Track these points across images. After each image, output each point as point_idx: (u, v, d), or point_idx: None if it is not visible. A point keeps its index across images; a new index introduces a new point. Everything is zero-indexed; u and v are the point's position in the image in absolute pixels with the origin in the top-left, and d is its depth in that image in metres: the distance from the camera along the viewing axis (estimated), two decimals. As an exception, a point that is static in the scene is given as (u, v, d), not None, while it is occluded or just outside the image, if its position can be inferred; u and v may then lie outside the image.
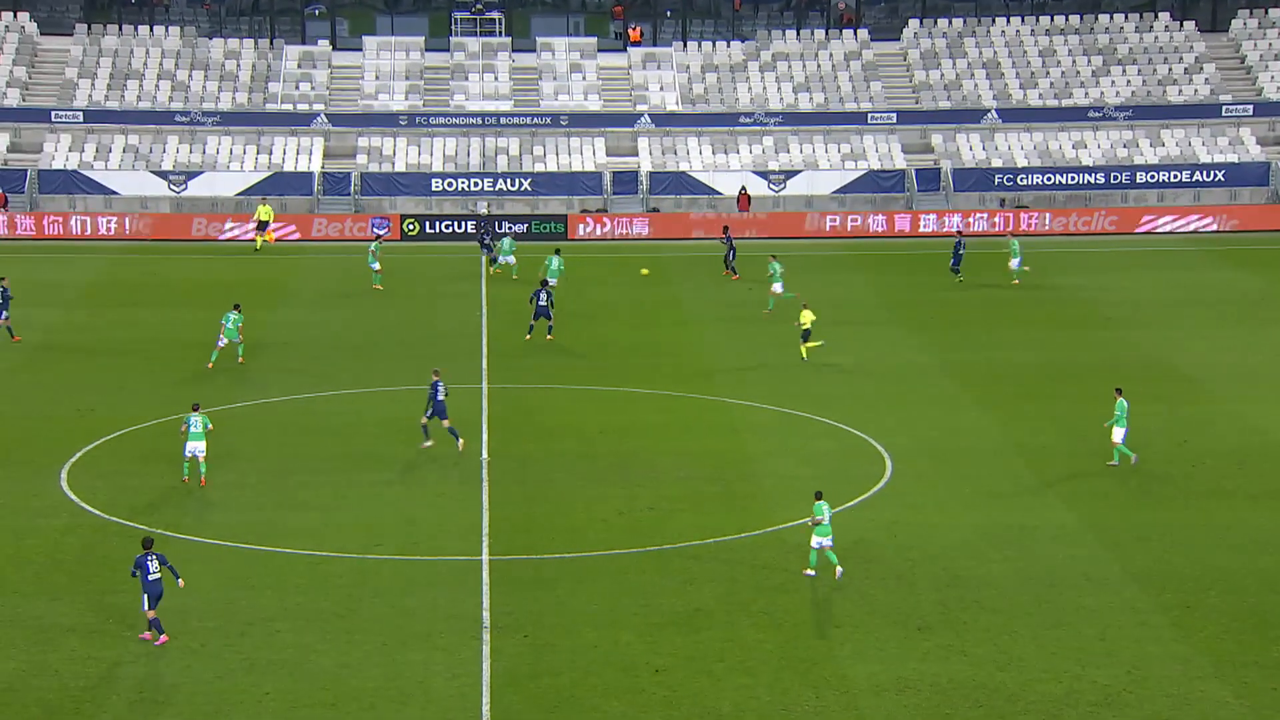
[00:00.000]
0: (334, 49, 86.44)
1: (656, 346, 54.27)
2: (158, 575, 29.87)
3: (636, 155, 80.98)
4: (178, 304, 60.86)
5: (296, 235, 74.68)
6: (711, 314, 59.08)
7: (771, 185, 78.68)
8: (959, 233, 69.81)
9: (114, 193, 77.14)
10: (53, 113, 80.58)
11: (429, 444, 41.42)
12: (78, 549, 34.99)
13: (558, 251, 60.60)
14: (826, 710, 27.74)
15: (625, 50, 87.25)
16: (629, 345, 54.41)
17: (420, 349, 53.45)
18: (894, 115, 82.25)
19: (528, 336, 53.81)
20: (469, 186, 78.49)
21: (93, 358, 52.37)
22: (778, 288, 57.37)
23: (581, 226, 75.56)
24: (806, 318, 50.91)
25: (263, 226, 73.01)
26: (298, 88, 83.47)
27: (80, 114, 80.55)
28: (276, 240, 73.21)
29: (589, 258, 69.28)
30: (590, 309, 60.11)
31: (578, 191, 78.60)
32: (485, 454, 41.89)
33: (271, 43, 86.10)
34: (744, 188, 77.39)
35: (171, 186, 77.57)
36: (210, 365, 50.08)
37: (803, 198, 78.49)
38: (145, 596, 29.84)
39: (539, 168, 79.67)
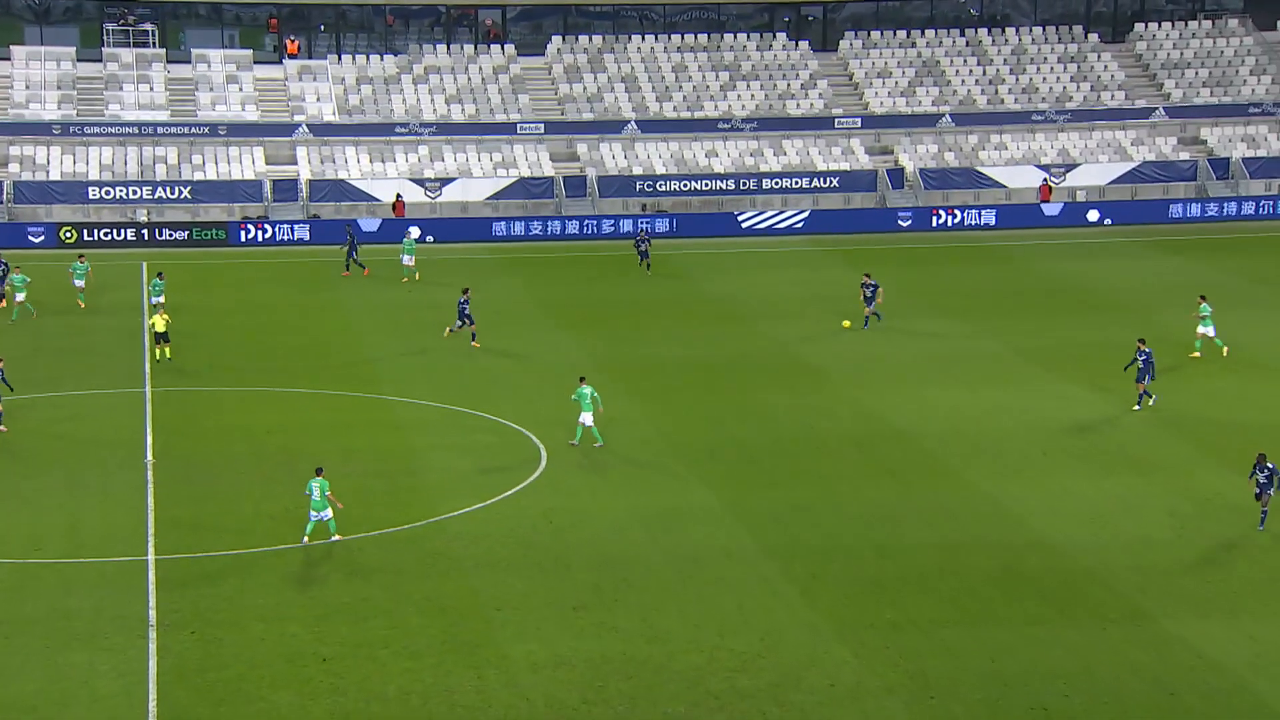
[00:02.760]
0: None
1: (321, 348, 53.39)
2: None
3: (296, 164, 79.48)
4: None
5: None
6: (372, 316, 58.43)
7: (428, 192, 78.32)
8: (644, 231, 70.15)
9: None
10: None
11: None
12: None
13: (160, 275, 57.67)
14: (488, 689, 27.82)
15: (281, 63, 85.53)
16: (293, 347, 53.37)
17: (80, 355, 51.34)
18: (541, 126, 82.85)
19: (448, 333, 52.86)
20: (128, 194, 75.69)
21: None
22: (79, 283, 58.13)
23: (243, 233, 73.73)
24: (159, 323, 50.22)
25: None
26: (-53, 96, 79.03)
27: None
28: None
29: (253, 264, 67.68)
30: (254, 313, 58.77)
31: (238, 199, 76.64)
32: (150, 456, 40.52)
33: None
34: (399, 194, 76.83)
35: None
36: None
37: (458, 204, 78.40)
38: None
39: (199, 176, 77.35)
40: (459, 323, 52.70)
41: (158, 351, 50.10)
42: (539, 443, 42.06)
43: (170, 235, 73.02)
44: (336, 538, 34.48)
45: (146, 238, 72.67)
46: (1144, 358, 44.74)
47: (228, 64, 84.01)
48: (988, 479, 39.50)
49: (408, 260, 64.34)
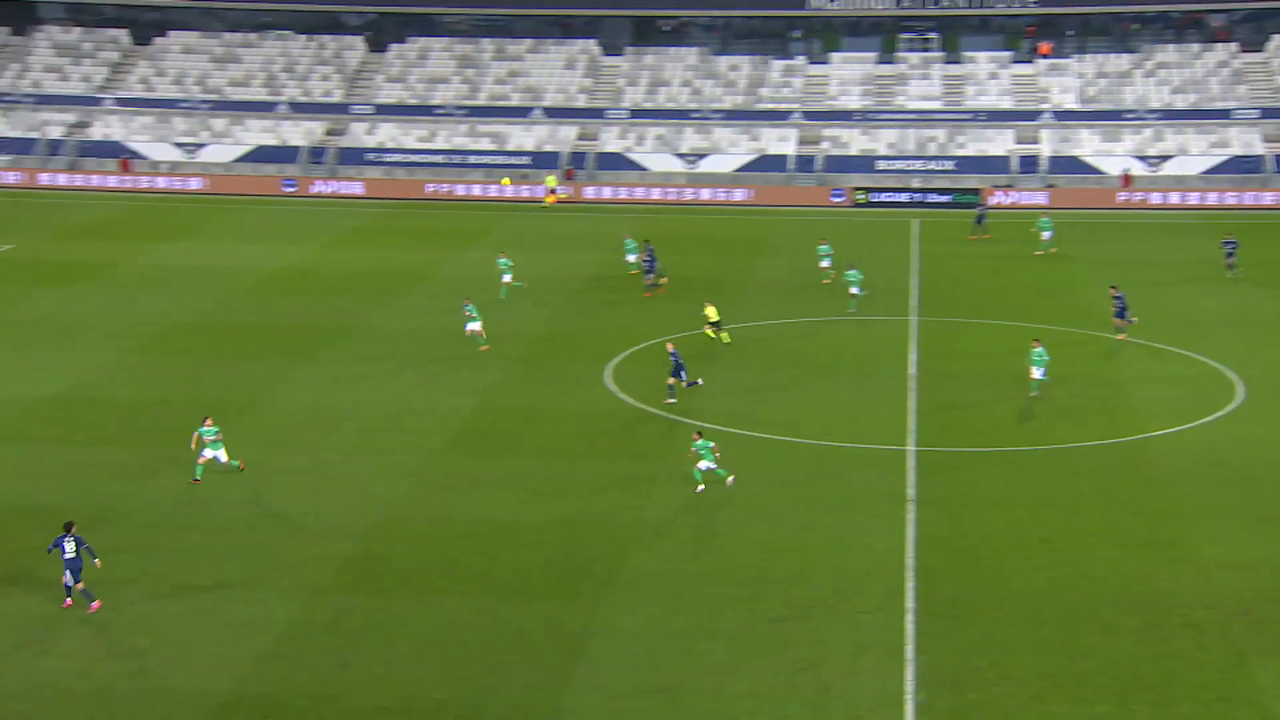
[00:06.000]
0: (809, 63, 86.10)
1: (1047, 292, 51.90)
2: (74, 555, 25.09)
3: (1038, 143, 77.37)
4: (688, 251, 61.23)
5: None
6: (1094, 267, 55.94)
7: (1149, 166, 73.69)
8: (1228, 233, 61.96)
9: (645, 169, 79.54)
10: (607, 111, 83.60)
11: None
12: (617, 427, 36.53)
13: (628, 235, 54.66)
14: (1182, 580, 26.23)
15: (1033, 61, 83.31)
16: (1025, 289, 52.25)
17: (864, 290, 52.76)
18: (1257, 111, 75.34)
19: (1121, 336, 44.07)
20: (906, 167, 77.15)
21: (634, 290, 53.56)
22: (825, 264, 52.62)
23: (991, 198, 72.97)
24: (712, 313, 43.77)
25: (549, 190, 73.48)
26: (780, 92, 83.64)
27: (626, 112, 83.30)
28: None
29: (997, 223, 66.80)
30: (997, 261, 58.13)
31: (990, 171, 75.92)
32: (913, 369, 41.28)
33: (763, 58, 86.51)
34: (1127, 169, 72.79)
35: (686, 164, 79.37)
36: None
37: (1174, 177, 73.20)
38: (66, 572, 25.16)
39: (959, 152, 77.26)
40: (1123, 319, 43.44)
41: (710, 332, 43.59)
42: (1237, 379, 38.72)
43: (935, 199, 73.61)
44: (731, 479, 31.12)
45: (916, 201, 73.71)
46: None
47: (990, 63, 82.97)
48: None
49: (1046, 235, 60.07)
